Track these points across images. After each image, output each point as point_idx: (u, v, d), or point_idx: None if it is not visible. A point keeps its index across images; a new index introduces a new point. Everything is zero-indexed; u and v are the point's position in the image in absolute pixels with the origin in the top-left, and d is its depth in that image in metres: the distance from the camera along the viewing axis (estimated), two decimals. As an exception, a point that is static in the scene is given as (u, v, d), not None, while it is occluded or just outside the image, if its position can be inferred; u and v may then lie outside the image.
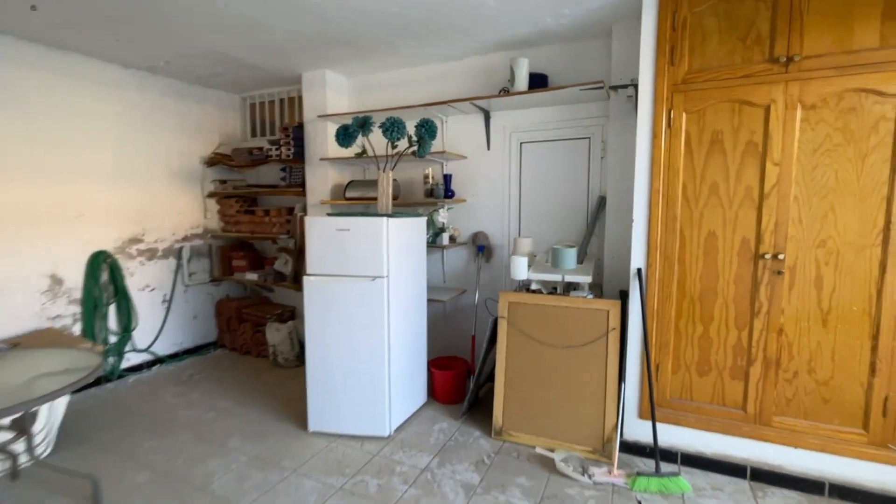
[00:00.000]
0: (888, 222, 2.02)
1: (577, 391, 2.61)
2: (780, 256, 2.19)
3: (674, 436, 2.49)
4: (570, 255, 2.74)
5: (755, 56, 2.17)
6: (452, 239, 3.53)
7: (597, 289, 3.01)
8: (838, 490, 2.20)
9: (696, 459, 2.45)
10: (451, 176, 3.51)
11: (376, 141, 2.89)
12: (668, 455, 2.52)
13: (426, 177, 3.52)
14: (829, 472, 2.21)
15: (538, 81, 3.08)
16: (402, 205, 3.66)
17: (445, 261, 3.75)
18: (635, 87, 2.64)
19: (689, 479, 2.32)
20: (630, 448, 2.61)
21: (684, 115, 2.32)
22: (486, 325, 3.60)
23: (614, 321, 2.57)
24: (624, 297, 2.86)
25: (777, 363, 2.26)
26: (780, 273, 2.21)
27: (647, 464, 2.52)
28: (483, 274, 3.61)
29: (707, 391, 2.42)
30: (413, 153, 2.83)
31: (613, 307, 2.58)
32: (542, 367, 2.69)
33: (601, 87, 2.81)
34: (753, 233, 2.25)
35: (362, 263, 2.69)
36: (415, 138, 2.71)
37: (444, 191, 3.41)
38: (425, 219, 3.15)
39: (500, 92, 3.21)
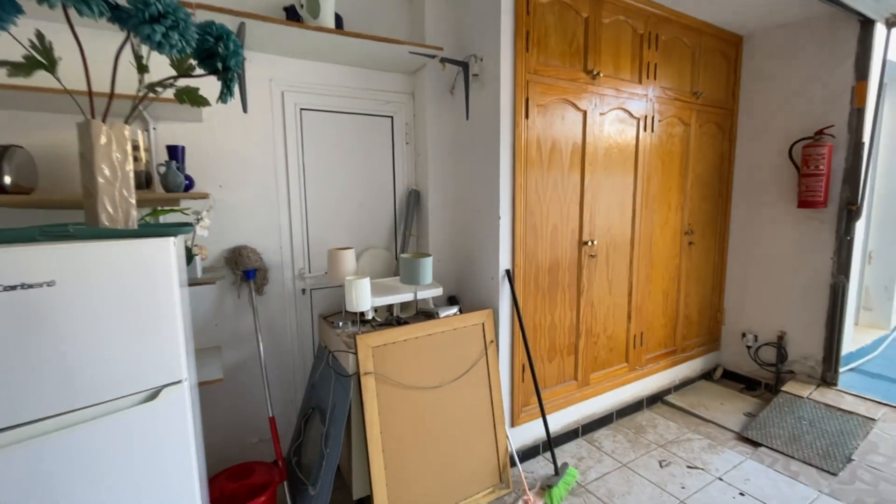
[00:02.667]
0: (633, 212, 2.79)
1: (468, 429, 2.14)
2: (594, 242, 2.59)
3: (537, 427, 2.51)
4: (427, 267, 2.15)
5: (577, 63, 2.39)
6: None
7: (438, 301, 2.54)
8: (618, 413, 2.92)
9: (554, 440, 2.60)
10: (182, 150, 1.92)
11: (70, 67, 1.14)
12: (535, 449, 2.53)
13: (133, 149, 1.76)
14: (614, 403, 2.90)
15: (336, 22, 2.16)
16: (69, 205, 1.69)
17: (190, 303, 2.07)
18: (468, 64, 2.32)
19: (560, 459, 2.42)
20: (520, 458, 2.43)
21: (535, 107, 2.27)
22: (289, 394, 2.35)
23: (490, 332, 2.26)
24: (454, 302, 2.57)
25: (590, 331, 2.70)
26: (593, 256, 2.62)
27: (540, 464, 2.44)
28: (260, 312, 2.26)
29: (554, 374, 2.58)
30: (182, 96, 1.32)
31: (486, 317, 2.26)
32: (424, 419, 2.01)
33: (433, 57, 2.30)
34: (577, 223, 2.54)
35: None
36: (222, 50, 1.25)
37: (175, 178, 1.82)
38: (176, 239, 1.57)
39: (288, 16, 2.02)
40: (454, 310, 2.25)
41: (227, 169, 2.14)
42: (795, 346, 3.09)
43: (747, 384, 3.32)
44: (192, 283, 1.79)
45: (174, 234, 1.17)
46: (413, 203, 2.58)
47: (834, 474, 2.29)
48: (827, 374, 2.98)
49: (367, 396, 1.87)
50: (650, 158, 2.80)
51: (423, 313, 2.27)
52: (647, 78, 2.69)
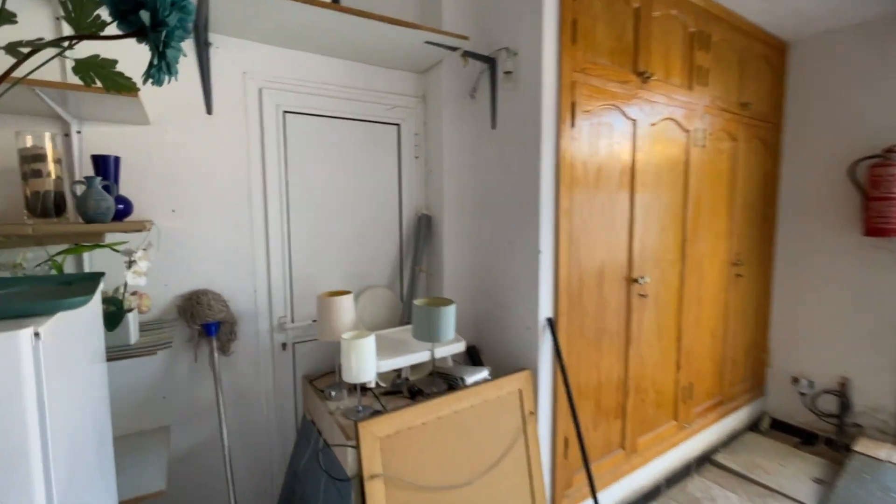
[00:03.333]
0: (683, 240, 2.35)
1: (506, 534, 1.60)
2: (645, 279, 2.13)
3: (582, 515, 1.99)
4: (449, 319, 1.64)
5: (626, 63, 1.96)
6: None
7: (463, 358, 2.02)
8: (667, 482, 2.42)
9: (600, 528, 2.07)
10: (115, 162, 1.38)
11: None
12: (580, 542, 2.00)
13: (30, 158, 1.22)
14: (662, 470, 2.40)
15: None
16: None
17: (120, 374, 1.49)
18: (496, 60, 1.86)
19: (620, 563, 1.91)
20: None
21: (581, 114, 1.81)
22: (263, 482, 1.81)
23: (529, 401, 1.74)
24: (473, 354, 2.06)
25: (639, 387, 2.21)
26: (643, 296, 2.16)
27: None
28: (224, 378, 1.70)
29: (600, 444, 2.07)
30: (86, 72, 0.80)
31: (524, 381, 1.75)
32: (456, 528, 1.47)
33: (454, 49, 1.83)
34: (626, 256, 2.07)
35: None
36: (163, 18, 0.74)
37: (99, 202, 1.26)
38: (50, 325, 1.01)
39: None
40: (483, 373, 1.73)
41: (184, 188, 1.60)
42: (862, 394, 2.67)
43: (802, 437, 2.88)
44: (119, 355, 1.23)
45: (47, 311, 0.63)
46: (423, 231, 2.07)
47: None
48: (902, 430, 2.56)
49: (375, 509, 1.32)
50: (699, 178, 2.38)
51: (442, 376, 1.75)
52: (699, 84, 2.29)
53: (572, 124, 1.77)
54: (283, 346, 1.86)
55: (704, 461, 2.65)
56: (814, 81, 2.76)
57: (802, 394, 2.88)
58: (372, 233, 2.04)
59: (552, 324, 1.79)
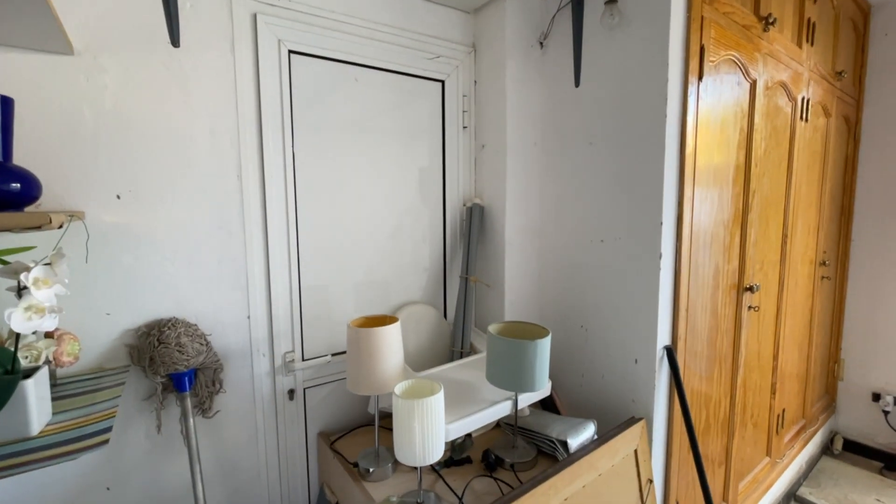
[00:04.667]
0: (784, 238, 1.90)
1: None
2: (757, 287, 1.67)
3: None
4: (545, 355, 1.12)
5: (748, 1, 1.47)
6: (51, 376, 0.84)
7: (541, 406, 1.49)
8: (759, 530, 1.99)
9: None
10: (6, 111, 0.78)
11: None
12: None
13: None
14: (755, 517, 1.96)
15: None
16: None
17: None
18: (592, -8, 1.34)
19: None
20: None
21: (708, 66, 1.31)
22: None
23: (646, 464, 1.25)
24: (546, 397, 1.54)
25: (743, 421, 1.76)
26: (754, 308, 1.69)
27: None
28: (206, 449, 1.13)
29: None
30: None
31: (639, 436, 1.25)
32: None
33: (537, -32, 1.30)
34: (738, 260, 1.60)
35: None
36: None
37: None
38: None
39: None
40: (588, 430, 1.22)
41: (136, 163, 1.02)
42: (961, 413, 2.31)
43: (885, 461, 2.51)
44: (5, 464, 0.65)
45: None
46: (475, 228, 1.54)
47: None
48: None
49: None
50: (800, 160, 1.93)
51: (524, 434, 1.23)
52: (807, 42, 1.83)
53: (700, 77, 1.27)
54: (291, 393, 1.29)
55: (790, 499, 2.23)
56: (904, 51, 2.36)
57: (885, 412, 2.51)
58: (408, 230, 1.49)
59: (672, 354, 1.29)
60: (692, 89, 1.26)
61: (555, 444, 1.15)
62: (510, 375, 1.10)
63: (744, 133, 1.53)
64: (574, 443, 1.14)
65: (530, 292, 1.57)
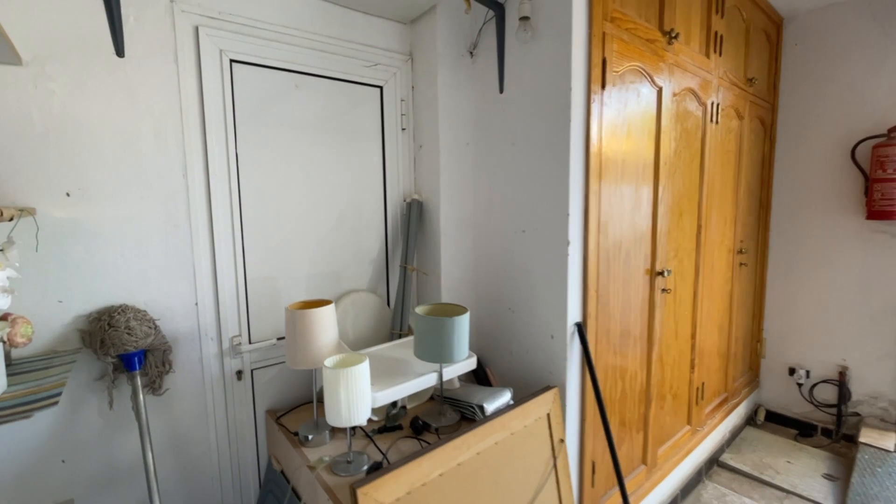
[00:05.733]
0: (698, 228, 2.12)
1: None
2: (668, 272, 1.87)
3: (608, 549, 1.71)
4: (463, 333, 1.27)
5: (652, 18, 1.66)
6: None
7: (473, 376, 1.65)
8: (682, 492, 2.21)
9: (626, 559, 1.80)
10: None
11: None
12: (607, 581, 1.72)
13: None
14: (677, 481, 2.18)
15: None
16: None
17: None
18: (504, 5, 1.50)
19: None
20: None
21: (612, 75, 1.49)
22: None
23: (558, 425, 1.42)
24: (479, 370, 1.71)
25: (660, 394, 1.96)
26: (666, 291, 1.90)
27: None
28: (157, 424, 1.23)
29: (623, 463, 1.80)
30: None
31: (552, 402, 1.42)
32: None
33: (457, -12, 1.45)
34: (650, 247, 1.80)
35: None
36: None
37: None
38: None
39: None
40: (504, 396, 1.38)
41: (85, 163, 1.12)
42: (861, 383, 2.60)
43: (800, 429, 2.79)
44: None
45: None
46: (414, 221, 1.68)
47: None
48: (904, 417, 2.51)
49: None
50: (713, 158, 2.16)
51: (451, 403, 1.38)
52: (714, 52, 2.05)
53: (602, 86, 1.45)
54: (239, 374, 1.41)
55: (713, 464, 2.47)
56: (810, 60, 2.63)
57: (799, 384, 2.79)
58: (350, 224, 1.62)
59: (581, 330, 1.47)
60: (596, 97, 1.43)
61: (474, 408, 1.31)
62: (433, 349, 1.25)
63: (652, 135, 1.72)
64: (490, 407, 1.30)
65: (465, 278, 1.73)
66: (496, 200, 1.65)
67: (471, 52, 1.66)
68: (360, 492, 0.96)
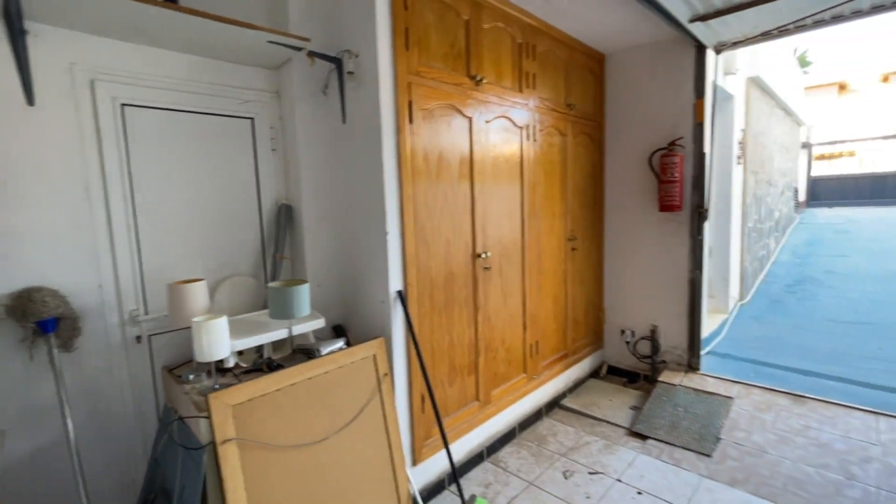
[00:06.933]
0: (522, 221, 2.77)
1: (362, 480, 1.83)
2: (488, 254, 2.49)
3: (442, 459, 2.30)
4: (303, 297, 1.81)
5: (460, 67, 2.26)
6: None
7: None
8: (520, 426, 2.86)
9: (460, 469, 2.40)
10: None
11: None
12: (441, 484, 2.32)
13: None
14: (516, 416, 2.83)
15: None
16: None
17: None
18: (342, 60, 2.04)
19: (467, 490, 2.26)
20: (425, 497, 2.18)
21: (420, 112, 2.07)
22: (126, 476, 1.82)
23: (383, 364, 1.98)
24: (340, 332, 2.26)
25: (489, 346, 2.58)
26: (487, 269, 2.51)
27: (447, 499, 2.23)
28: (71, 375, 1.67)
29: (456, 398, 2.40)
30: None
31: (378, 348, 1.98)
32: (308, 483, 1.66)
33: (299, 49, 1.96)
34: (470, 235, 2.41)
35: None
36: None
37: None
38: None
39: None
40: (339, 343, 1.93)
41: (3, 182, 1.54)
42: (666, 337, 3.39)
43: (629, 378, 3.55)
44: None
45: None
46: (284, 220, 2.19)
47: (709, 456, 2.48)
48: (692, 360, 3.31)
49: (229, 471, 1.45)
50: (534, 167, 2.81)
51: (302, 351, 1.91)
52: (528, 87, 2.70)
53: (410, 120, 2.02)
54: (138, 338, 1.87)
55: (554, 406, 3.15)
56: (623, 87, 3.38)
57: (627, 342, 3.55)
58: (233, 224, 2.11)
59: (402, 296, 2.04)
60: (407, 127, 2.01)
61: (315, 352, 1.84)
62: (281, 310, 1.77)
63: (464, 154, 2.33)
64: (325, 350, 1.85)
65: (326, 262, 2.26)
66: (345, 202, 2.20)
67: (324, 91, 2.19)
68: (211, 396, 1.46)
